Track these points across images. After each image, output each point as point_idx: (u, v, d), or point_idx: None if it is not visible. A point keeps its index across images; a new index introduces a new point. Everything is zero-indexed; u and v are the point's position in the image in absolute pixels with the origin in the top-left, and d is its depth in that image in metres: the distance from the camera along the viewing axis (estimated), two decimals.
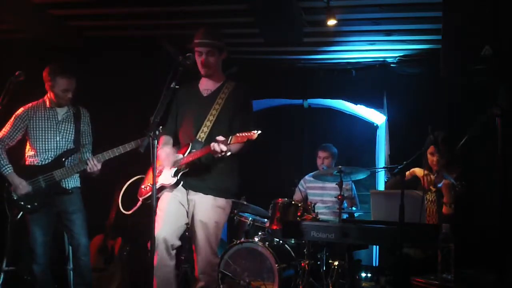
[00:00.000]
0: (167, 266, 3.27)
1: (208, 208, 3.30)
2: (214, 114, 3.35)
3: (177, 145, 3.49)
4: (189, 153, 3.28)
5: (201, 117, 3.36)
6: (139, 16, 4.75)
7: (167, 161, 3.31)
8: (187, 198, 3.36)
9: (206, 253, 3.29)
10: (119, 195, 5.00)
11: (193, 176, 3.33)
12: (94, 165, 3.87)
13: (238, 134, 2.98)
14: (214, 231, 3.30)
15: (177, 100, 3.51)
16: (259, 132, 2.96)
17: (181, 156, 3.31)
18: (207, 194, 3.31)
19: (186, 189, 3.37)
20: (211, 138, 3.22)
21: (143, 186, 3.46)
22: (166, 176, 3.33)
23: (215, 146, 3.01)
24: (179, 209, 3.36)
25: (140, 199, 3.43)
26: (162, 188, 3.34)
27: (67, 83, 3.93)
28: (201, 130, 3.33)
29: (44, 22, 4.80)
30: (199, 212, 3.30)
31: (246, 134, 2.96)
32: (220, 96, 3.39)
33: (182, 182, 3.31)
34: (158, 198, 3.33)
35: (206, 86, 3.48)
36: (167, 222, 3.28)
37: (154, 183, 2.77)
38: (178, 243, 3.34)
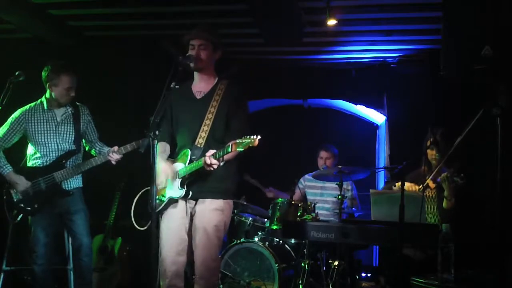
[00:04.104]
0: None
1: (206, 212, 3.24)
2: (210, 118, 3.25)
3: (173, 149, 3.43)
4: (190, 161, 3.21)
5: (197, 122, 3.27)
6: (139, 16, 4.74)
7: (164, 176, 3.25)
8: (186, 206, 3.31)
9: (205, 258, 3.21)
10: (119, 195, 5.08)
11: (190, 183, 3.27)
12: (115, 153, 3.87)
13: (238, 141, 2.88)
14: (215, 235, 3.22)
15: (170, 102, 3.35)
16: (259, 137, 2.86)
17: (182, 165, 3.25)
18: (204, 198, 3.26)
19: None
20: (209, 143, 3.20)
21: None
22: (173, 188, 3.26)
23: (205, 160, 3.00)
24: (182, 224, 3.30)
25: None
26: (172, 200, 3.28)
27: (71, 80, 3.92)
28: (199, 136, 3.25)
29: (44, 22, 4.80)
30: (198, 217, 3.25)
31: (247, 140, 2.85)
32: (215, 98, 3.28)
33: (191, 192, 3.22)
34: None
35: (199, 88, 3.38)
36: (173, 245, 3.26)
37: (153, 182, 2.75)
38: (184, 260, 3.31)
